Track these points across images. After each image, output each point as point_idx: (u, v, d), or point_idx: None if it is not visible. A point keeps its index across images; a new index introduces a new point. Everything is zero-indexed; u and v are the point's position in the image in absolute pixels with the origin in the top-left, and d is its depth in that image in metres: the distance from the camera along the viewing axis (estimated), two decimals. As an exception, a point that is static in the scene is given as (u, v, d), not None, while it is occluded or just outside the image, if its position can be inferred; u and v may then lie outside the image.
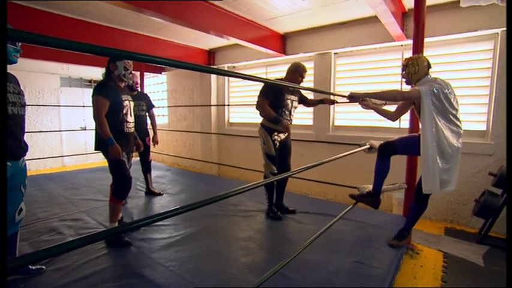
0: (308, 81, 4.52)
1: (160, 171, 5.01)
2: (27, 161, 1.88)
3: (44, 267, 1.96)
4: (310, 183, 3.29)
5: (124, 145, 2.30)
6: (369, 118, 3.98)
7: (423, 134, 2.07)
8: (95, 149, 2.30)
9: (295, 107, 2.92)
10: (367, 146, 2.53)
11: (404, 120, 3.66)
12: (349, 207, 2.26)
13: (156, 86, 7.53)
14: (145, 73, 6.37)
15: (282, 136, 2.86)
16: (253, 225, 2.76)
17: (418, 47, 2.63)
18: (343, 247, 2.27)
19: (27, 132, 1.82)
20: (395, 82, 3.77)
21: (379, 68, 3.93)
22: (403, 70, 2.30)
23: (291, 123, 2.87)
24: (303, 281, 1.85)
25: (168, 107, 6.95)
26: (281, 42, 4.53)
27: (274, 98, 2.76)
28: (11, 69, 1.74)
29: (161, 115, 7.31)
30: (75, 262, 2.04)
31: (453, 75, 3.39)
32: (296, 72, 2.79)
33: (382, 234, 2.51)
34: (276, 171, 2.82)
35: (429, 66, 2.24)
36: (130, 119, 2.36)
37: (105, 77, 2.33)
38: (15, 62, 1.67)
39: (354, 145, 2.71)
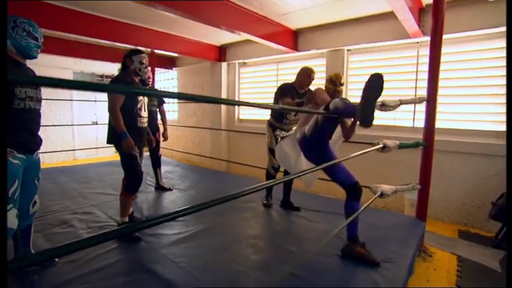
0: (319, 78, 4.46)
1: (170, 166, 5.03)
2: (40, 154, 1.90)
3: (56, 259, 1.98)
4: (320, 181, 3.24)
5: (137, 139, 2.31)
6: (382, 117, 3.89)
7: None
8: (107, 143, 2.31)
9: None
10: (381, 146, 2.46)
11: (419, 120, 3.58)
12: (365, 205, 2.19)
13: (167, 81, 7.56)
14: (156, 69, 6.40)
15: (286, 134, 3.02)
16: (263, 222, 2.75)
17: (436, 44, 2.55)
18: (354, 248, 2.23)
19: (41, 126, 1.84)
20: (410, 80, 3.68)
21: (393, 65, 3.83)
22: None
23: (296, 122, 2.98)
24: (314, 281, 1.82)
25: (178, 102, 6.97)
26: (293, 39, 4.47)
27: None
28: (29, 63, 1.77)
29: (171, 111, 7.35)
30: (86, 255, 2.06)
31: (472, 73, 3.28)
32: (303, 74, 2.89)
33: (394, 235, 2.46)
34: (277, 166, 3.02)
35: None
36: (144, 114, 2.37)
37: (121, 72, 2.34)
38: (35, 57, 1.71)
39: (367, 144, 2.65)
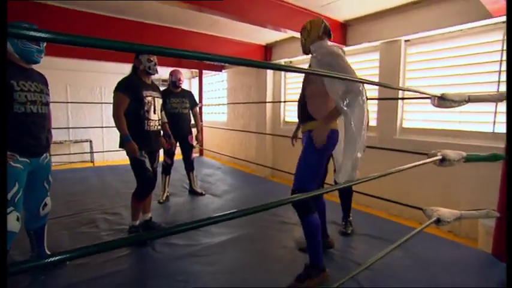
0: (372, 75, 3.89)
1: (211, 169, 4.99)
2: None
3: (67, 262, 2.00)
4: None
5: (144, 144, 2.22)
6: (447, 119, 3.17)
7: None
8: (119, 147, 2.27)
9: None
10: (439, 157, 1.90)
11: (500, 123, 2.79)
12: (412, 233, 1.68)
13: (218, 84, 7.66)
14: (205, 71, 6.50)
15: None
16: (287, 242, 2.39)
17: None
18: (394, 288, 1.74)
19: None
20: (491, 72, 2.88)
21: (466, 55, 3.06)
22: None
23: None
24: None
25: (217, 105, 7.02)
26: (341, 32, 3.98)
27: None
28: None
29: (221, 113, 7.41)
30: (97, 259, 2.03)
31: None
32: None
33: (452, 276, 1.87)
34: None
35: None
36: (154, 116, 2.26)
37: (130, 73, 2.28)
38: (38, 62, 1.71)
39: (422, 155, 2.09)
